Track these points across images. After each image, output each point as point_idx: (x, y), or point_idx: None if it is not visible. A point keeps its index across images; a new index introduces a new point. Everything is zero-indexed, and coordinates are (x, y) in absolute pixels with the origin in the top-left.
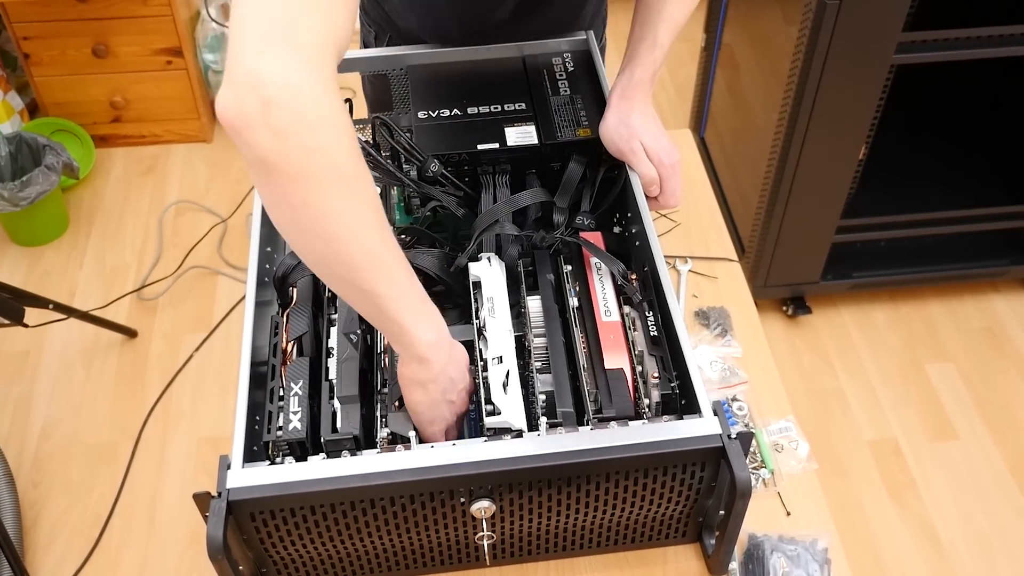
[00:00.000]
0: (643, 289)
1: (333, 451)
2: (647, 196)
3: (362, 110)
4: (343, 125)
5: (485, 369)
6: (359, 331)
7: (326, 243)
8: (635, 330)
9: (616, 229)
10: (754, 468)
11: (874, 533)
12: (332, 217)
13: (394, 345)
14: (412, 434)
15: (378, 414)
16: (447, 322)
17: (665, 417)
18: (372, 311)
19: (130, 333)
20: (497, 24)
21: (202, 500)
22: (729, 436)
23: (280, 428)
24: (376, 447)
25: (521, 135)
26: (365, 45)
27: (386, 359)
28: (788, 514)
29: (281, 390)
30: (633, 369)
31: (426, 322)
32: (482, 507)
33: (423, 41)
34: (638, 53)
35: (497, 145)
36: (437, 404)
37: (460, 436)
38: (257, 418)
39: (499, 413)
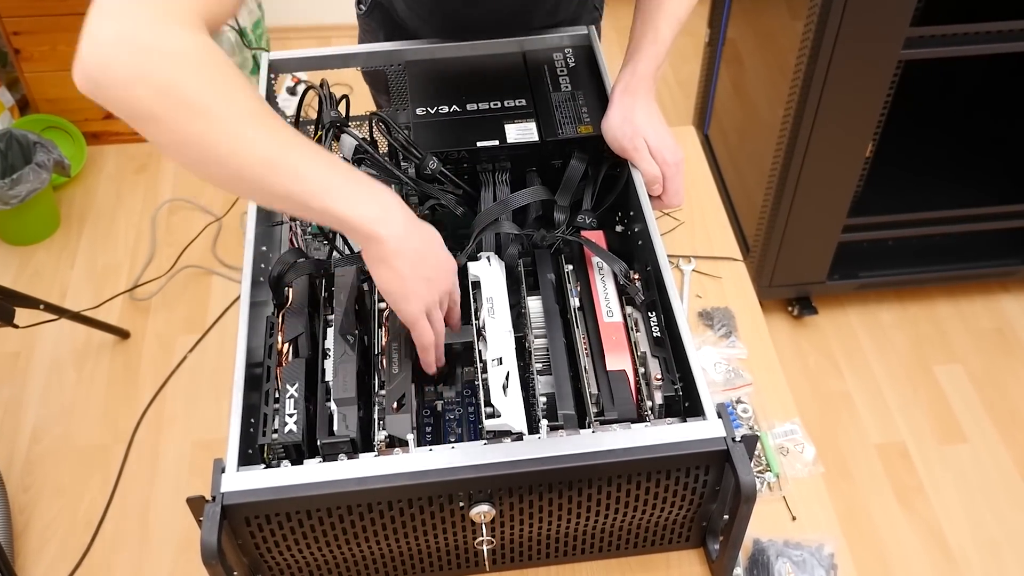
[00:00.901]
0: (646, 289)
1: (330, 454)
2: (649, 195)
3: (360, 105)
4: (193, 59)
5: (485, 371)
6: (356, 332)
7: (220, 166)
8: (637, 331)
9: (618, 228)
10: (759, 472)
11: (881, 538)
12: (211, 144)
13: (341, 231)
14: (410, 437)
15: (376, 416)
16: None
17: (668, 420)
18: (301, 210)
19: (122, 334)
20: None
21: (196, 504)
22: (733, 439)
23: (276, 431)
24: (374, 450)
25: (521, 132)
26: (358, 2)
27: (384, 360)
28: (794, 519)
29: (277, 392)
30: (635, 371)
31: (362, 200)
32: (482, 511)
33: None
34: (640, 48)
35: (497, 142)
36: (407, 279)
37: (455, 324)
38: (252, 421)
39: (499, 416)
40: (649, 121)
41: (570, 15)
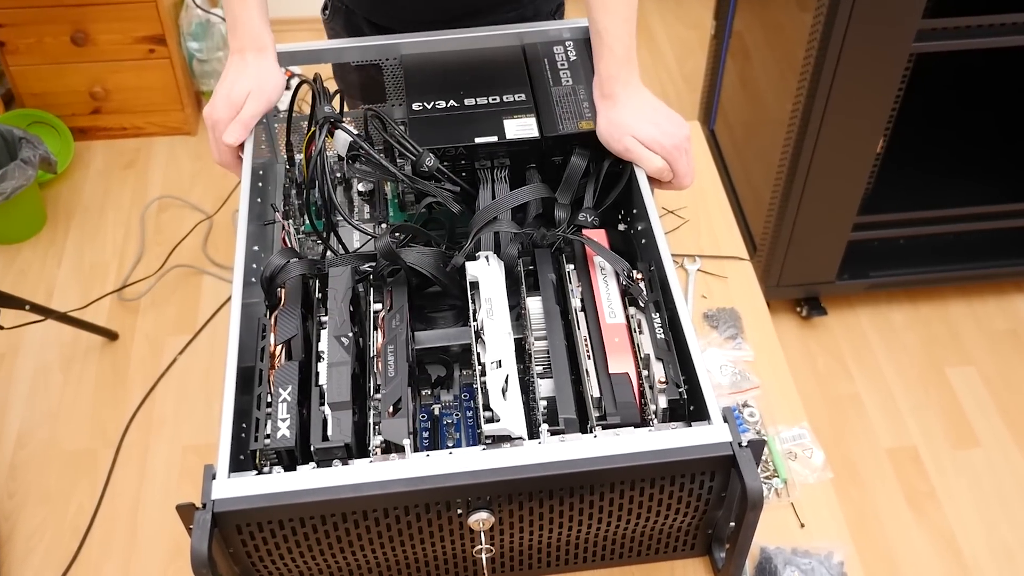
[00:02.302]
0: (649, 289)
1: (323, 460)
2: (661, 182)
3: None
4: None
5: (483, 374)
6: (351, 334)
7: None
8: (641, 332)
9: (621, 226)
10: (766, 477)
11: (892, 545)
12: None
13: None
14: (407, 442)
15: (371, 421)
16: (443, 325)
17: (672, 424)
18: None
19: (111, 335)
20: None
21: (186, 512)
22: (740, 444)
23: (268, 436)
24: (369, 456)
25: (521, 128)
26: (324, 9)
27: (379, 363)
28: (802, 526)
29: (269, 396)
30: (639, 373)
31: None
32: (480, 519)
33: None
34: (595, 52)
35: (496, 138)
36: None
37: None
38: (244, 425)
39: (498, 420)
40: (635, 114)
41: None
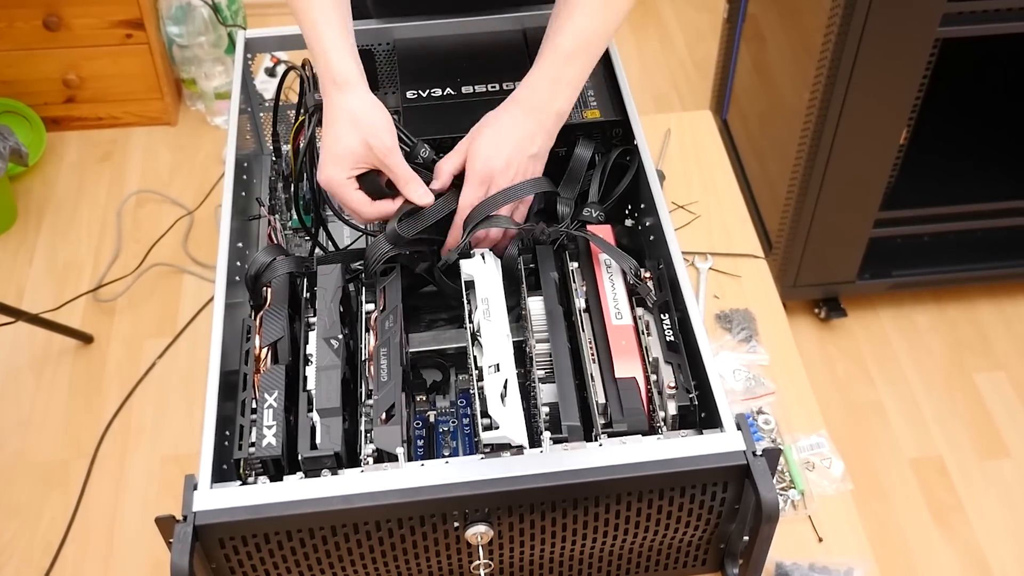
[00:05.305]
0: (658, 289)
1: (312, 470)
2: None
3: None
4: None
5: (481, 378)
6: (341, 336)
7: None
8: (649, 335)
9: (628, 222)
10: (782, 489)
11: (916, 561)
12: None
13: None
14: (400, 451)
15: (362, 428)
16: (439, 327)
17: (683, 432)
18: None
19: (85, 338)
20: None
21: (165, 525)
22: (754, 453)
23: (253, 444)
24: (360, 465)
25: None
26: None
27: (371, 367)
28: (820, 540)
29: (254, 402)
30: (647, 378)
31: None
32: (478, 532)
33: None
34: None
35: None
36: (325, 149)
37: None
38: (227, 433)
39: (497, 427)
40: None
41: None
